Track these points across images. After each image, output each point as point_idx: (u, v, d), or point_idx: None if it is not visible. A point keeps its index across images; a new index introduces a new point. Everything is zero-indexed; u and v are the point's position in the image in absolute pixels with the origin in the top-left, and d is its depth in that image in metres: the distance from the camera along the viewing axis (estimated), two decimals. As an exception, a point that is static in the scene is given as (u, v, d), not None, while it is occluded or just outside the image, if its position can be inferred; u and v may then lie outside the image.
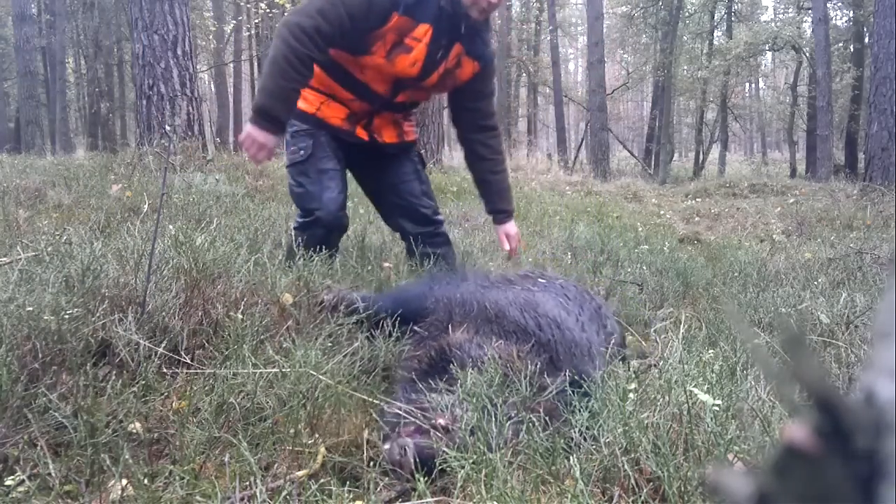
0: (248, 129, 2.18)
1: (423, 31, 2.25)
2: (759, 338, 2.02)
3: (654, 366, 1.80)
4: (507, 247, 2.71)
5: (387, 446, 1.36)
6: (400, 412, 1.42)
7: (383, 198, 2.73)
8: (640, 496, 1.17)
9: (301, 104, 2.42)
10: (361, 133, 2.52)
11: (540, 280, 2.09)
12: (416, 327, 1.86)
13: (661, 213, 7.61)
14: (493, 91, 2.64)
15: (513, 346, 1.66)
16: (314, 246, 2.33)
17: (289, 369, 1.49)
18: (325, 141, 2.47)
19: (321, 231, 2.44)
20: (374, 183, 2.73)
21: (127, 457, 1.17)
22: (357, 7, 2.17)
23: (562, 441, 1.31)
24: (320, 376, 1.46)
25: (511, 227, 2.70)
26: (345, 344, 1.81)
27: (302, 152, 2.45)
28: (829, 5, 16.44)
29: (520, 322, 1.76)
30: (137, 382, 1.49)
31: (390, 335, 1.87)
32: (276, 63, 2.16)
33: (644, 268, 3.23)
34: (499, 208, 2.68)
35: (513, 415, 1.40)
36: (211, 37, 19.59)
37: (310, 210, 2.45)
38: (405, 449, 1.30)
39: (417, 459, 1.27)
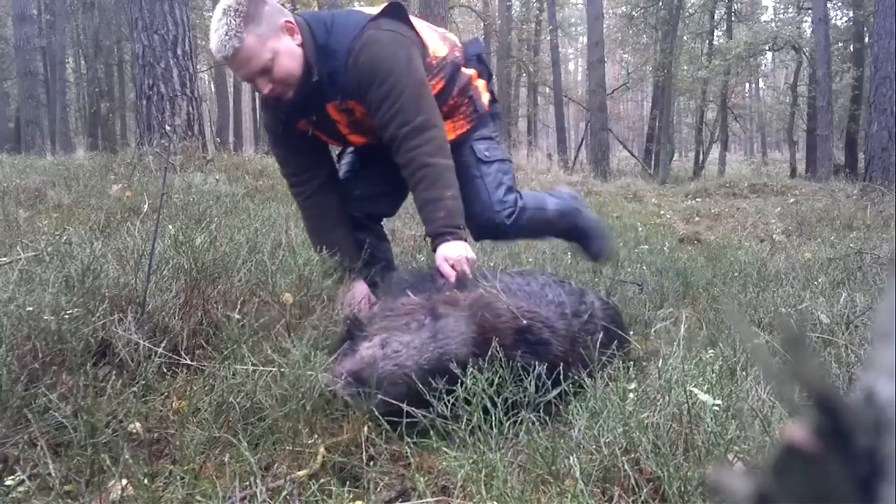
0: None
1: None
2: (759, 338, 2.01)
3: (653, 362, 1.80)
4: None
5: (325, 382, 1.45)
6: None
7: None
8: (640, 496, 1.17)
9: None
10: None
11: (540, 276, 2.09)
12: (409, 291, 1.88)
13: (661, 212, 7.60)
14: (384, 95, 2.02)
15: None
16: None
17: (288, 369, 1.49)
18: None
19: None
20: None
21: (127, 457, 1.17)
22: None
23: (562, 441, 1.32)
24: (320, 376, 1.46)
25: (444, 248, 1.97)
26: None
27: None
28: (829, 5, 16.45)
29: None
30: (137, 382, 1.49)
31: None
32: None
33: (644, 268, 3.23)
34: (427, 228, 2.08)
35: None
36: (211, 37, 19.54)
37: None
38: (340, 376, 1.41)
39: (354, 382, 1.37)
